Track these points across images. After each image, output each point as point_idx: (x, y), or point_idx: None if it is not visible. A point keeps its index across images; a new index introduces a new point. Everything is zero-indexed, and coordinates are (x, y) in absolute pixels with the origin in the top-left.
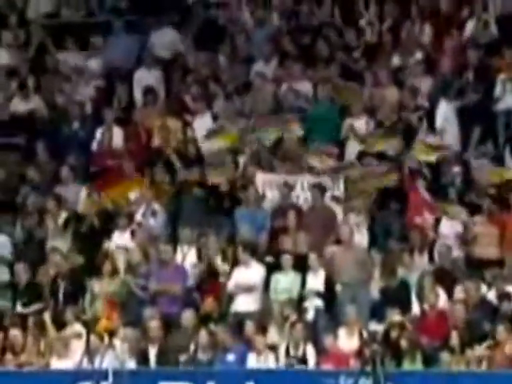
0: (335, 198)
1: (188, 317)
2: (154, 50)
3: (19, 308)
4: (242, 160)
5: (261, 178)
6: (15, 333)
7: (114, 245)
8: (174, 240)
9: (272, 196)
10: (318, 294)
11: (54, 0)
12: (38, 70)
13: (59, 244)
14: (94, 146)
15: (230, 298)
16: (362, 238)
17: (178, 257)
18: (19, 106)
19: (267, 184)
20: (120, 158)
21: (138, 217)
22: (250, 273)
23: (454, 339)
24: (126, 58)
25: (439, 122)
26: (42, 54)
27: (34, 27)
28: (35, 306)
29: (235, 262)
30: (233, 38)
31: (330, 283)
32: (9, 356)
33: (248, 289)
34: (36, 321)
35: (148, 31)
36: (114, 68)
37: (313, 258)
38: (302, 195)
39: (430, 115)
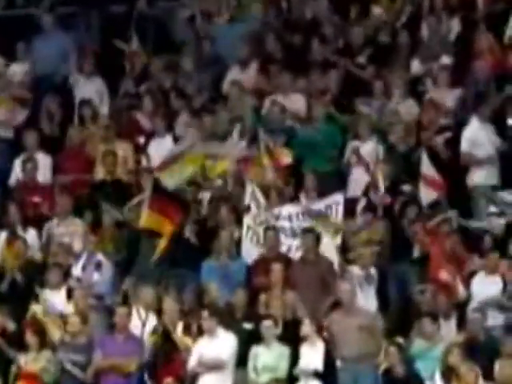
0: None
1: None
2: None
3: None
4: (206, 197)
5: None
6: None
7: (43, 307)
8: (123, 301)
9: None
10: (315, 374)
11: None
12: None
13: None
14: (13, 179)
15: (193, 379)
16: (368, 300)
17: (129, 323)
18: None
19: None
20: (49, 194)
21: (77, 271)
22: (217, 345)
23: None
24: (58, 63)
25: (465, 144)
26: None
27: None
28: None
29: (201, 331)
30: (199, 36)
31: (330, 359)
32: None
33: (214, 366)
34: None
35: (88, 28)
36: (43, 76)
37: (307, 325)
38: (293, 242)
39: (458, 137)
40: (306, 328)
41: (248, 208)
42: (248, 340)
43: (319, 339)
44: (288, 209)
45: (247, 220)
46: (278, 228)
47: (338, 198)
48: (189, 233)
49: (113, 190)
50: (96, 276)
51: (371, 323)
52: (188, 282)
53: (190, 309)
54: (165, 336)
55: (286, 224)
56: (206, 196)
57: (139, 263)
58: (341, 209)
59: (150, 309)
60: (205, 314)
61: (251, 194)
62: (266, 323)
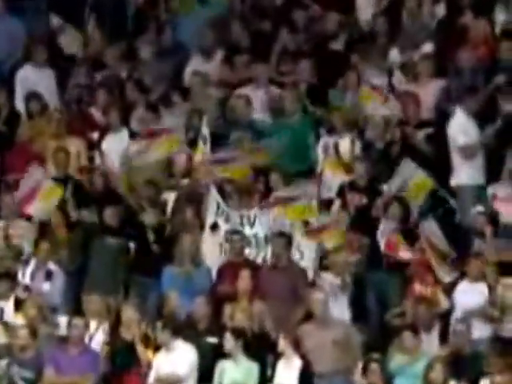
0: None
1: None
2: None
3: None
4: (171, 198)
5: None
6: None
7: None
8: (77, 312)
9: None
10: None
11: None
12: None
13: None
14: None
15: None
16: (342, 310)
17: (85, 336)
18: None
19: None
20: None
21: (25, 279)
22: (174, 359)
23: None
24: (7, 51)
25: (459, 136)
26: None
27: None
28: None
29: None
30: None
31: (307, 375)
32: None
33: (171, 382)
34: None
35: (38, 13)
36: None
37: (283, 341)
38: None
39: (441, 133)
40: (282, 344)
41: (215, 226)
42: (213, 354)
43: (296, 355)
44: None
45: (218, 239)
46: (250, 236)
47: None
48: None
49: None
50: (46, 285)
51: (346, 336)
52: (150, 290)
53: (151, 319)
54: (124, 349)
55: (259, 231)
56: (171, 197)
57: (93, 269)
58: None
59: (100, 319)
60: (159, 325)
61: (217, 207)
62: (226, 336)
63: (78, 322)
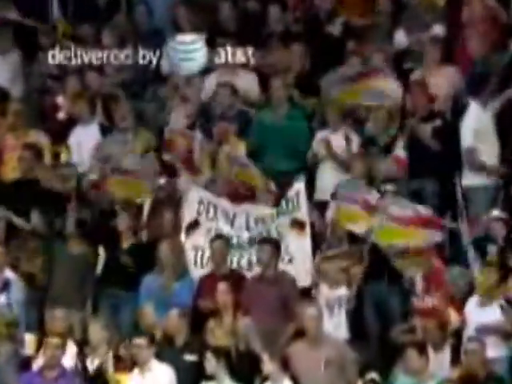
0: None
1: None
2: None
3: None
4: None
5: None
6: None
7: None
8: (39, 327)
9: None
10: None
11: None
12: None
13: None
14: None
15: None
16: (338, 326)
17: (62, 357)
18: None
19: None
20: None
21: None
22: (151, 381)
23: None
24: None
25: (468, 136)
26: None
27: None
28: None
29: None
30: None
31: None
32: None
33: None
34: None
35: None
36: None
37: (268, 362)
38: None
39: (453, 126)
40: (268, 365)
41: (195, 223)
42: (193, 374)
43: (285, 377)
44: (245, 209)
45: (197, 239)
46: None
47: (298, 187)
48: (125, 244)
49: (29, 191)
50: (3, 298)
51: (341, 355)
52: (123, 303)
53: (124, 337)
54: (95, 370)
55: (243, 233)
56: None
57: (56, 282)
58: (303, 198)
59: (64, 337)
60: (139, 342)
61: (200, 202)
62: (207, 356)
63: (54, 341)
